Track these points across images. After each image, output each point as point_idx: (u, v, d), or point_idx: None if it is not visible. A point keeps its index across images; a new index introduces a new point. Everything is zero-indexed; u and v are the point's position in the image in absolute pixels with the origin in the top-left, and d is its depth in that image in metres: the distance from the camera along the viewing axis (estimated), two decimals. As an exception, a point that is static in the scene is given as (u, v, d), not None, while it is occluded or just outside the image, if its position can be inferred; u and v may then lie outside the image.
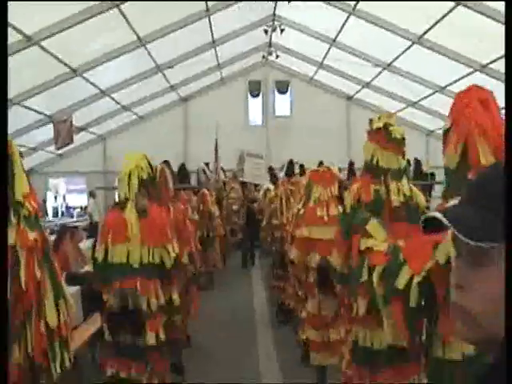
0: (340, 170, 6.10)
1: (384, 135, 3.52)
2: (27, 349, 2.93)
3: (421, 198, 3.59)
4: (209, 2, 13.10)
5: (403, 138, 3.58)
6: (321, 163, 8.74)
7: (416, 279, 2.39)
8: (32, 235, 2.98)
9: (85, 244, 7.33)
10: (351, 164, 11.88)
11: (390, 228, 3.27)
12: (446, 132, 2.60)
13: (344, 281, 3.65)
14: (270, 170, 14.01)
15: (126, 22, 11.88)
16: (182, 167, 9.52)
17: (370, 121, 3.61)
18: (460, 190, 2.16)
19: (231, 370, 6.45)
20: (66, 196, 22.94)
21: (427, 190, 14.48)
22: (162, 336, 4.42)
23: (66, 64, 12.51)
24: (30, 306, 2.92)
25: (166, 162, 6.31)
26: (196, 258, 6.42)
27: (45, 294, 2.99)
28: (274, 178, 12.10)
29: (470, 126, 2.43)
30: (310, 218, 5.19)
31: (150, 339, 4.34)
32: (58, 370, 3.02)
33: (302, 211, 5.56)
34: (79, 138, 18.56)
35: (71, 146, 18.01)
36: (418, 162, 13.51)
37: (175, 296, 4.74)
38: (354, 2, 12.95)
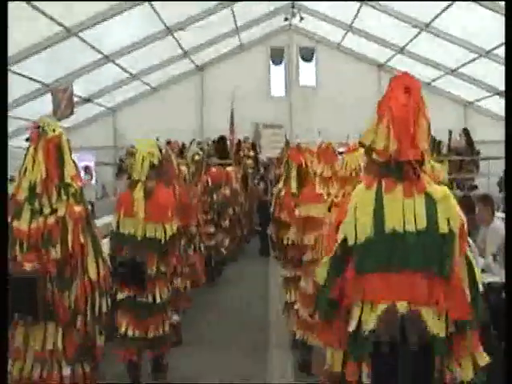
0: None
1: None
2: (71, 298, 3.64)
3: None
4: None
5: None
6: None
7: (323, 261, 2.81)
8: (78, 208, 3.68)
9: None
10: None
11: None
12: None
13: None
14: None
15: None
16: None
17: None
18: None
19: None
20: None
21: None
22: (164, 296, 5.18)
23: (58, 22, 10.98)
24: (76, 264, 3.62)
25: (169, 143, 8.09)
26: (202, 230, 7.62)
27: (87, 254, 3.68)
28: None
29: (385, 109, 2.72)
30: (307, 196, 5.29)
31: (151, 298, 5.10)
32: (97, 313, 3.71)
33: (282, 192, 5.98)
34: (87, 111, 17.31)
35: (79, 120, 16.79)
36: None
37: (171, 266, 5.40)
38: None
